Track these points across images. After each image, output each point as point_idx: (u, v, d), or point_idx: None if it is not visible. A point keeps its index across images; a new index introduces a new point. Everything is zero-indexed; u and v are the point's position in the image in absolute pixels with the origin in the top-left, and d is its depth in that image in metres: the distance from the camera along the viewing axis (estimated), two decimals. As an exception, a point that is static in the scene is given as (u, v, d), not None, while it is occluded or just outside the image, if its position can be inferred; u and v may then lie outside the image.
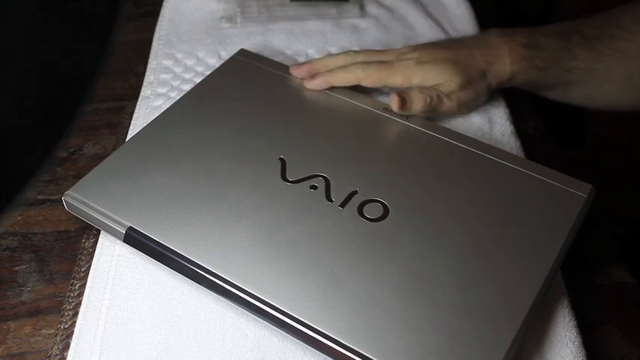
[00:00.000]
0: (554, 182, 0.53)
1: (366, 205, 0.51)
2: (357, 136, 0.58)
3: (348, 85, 0.62)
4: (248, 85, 0.62)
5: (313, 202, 0.51)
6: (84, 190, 0.52)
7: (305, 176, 0.53)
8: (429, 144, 0.57)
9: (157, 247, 0.48)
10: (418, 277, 0.46)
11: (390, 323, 0.44)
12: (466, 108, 0.63)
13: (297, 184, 0.52)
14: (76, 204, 0.51)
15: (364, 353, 0.42)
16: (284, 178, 0.53)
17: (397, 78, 0.61)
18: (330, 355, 0.43)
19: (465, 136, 0.57)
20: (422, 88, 0.60)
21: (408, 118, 0.59)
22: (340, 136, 0.57)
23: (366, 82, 0.61)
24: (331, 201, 0.51)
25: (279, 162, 0.54)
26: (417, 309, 0.45)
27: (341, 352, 0.43)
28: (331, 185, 0.52)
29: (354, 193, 0.52)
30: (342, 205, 0.51)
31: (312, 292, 0.46)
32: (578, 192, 0.52)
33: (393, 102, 0.59)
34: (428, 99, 0.59)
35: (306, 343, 0.44)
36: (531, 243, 0.49)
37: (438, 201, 0.52)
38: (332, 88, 0.62)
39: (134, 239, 0.49)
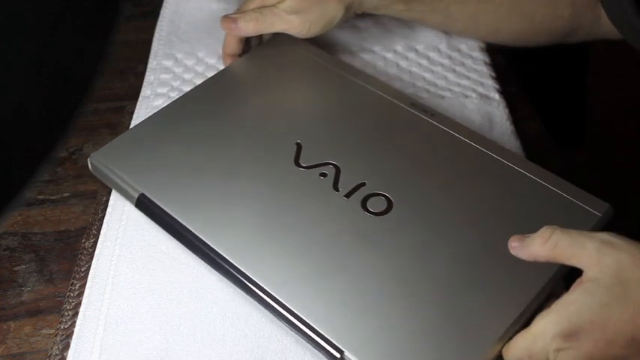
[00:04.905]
0: (570, 197, 0.51)
1: (371, 199, 0.51)
2: (378, 129, 0.57)
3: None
4: (279, 69, 0.63)
5: (319, 190, 0.51)
6: (109, 154, 0.54)
7: (317, 163, 0.53)
8: (449, 144, 0.55)
9: (163, 216, 0.50)
10: (410, 276, 0.46)
11: (374, 321, 0.44)
12: (312, 24, 0.62)
13: (308, 170, 0.53)
14: (99, 166, 0.54)
15: (334, 341, 0.43)
16: (297, 162, 0.53)
17: None
18: (308, 341, 0.44)
19: (489, 140, 0.56)
20: (259, 8, 0.62)
21: (432, 115, 0.57)
22: (361, 127, 0.57)
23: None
24: (337, 190, 0.51)
25: (296, 146, 0.54)
26: (407, 309, 0.45)
27: (314, 339, 0.44)
28: (341, 175, 0.52)
29: (362, 184, 0.52)
30: (347, 195, 0.51)
31: (300, 278, 0.46)
32: (593, 210, 0.50)
33: (221, 21, 0.63)
34: (260, 17, 0.61)
35: (283, 322, 0.45)
36: None
37: (446, 203, 0.51)
38: (362, 78, 0.62)
39: (144, 205, 0.51)
